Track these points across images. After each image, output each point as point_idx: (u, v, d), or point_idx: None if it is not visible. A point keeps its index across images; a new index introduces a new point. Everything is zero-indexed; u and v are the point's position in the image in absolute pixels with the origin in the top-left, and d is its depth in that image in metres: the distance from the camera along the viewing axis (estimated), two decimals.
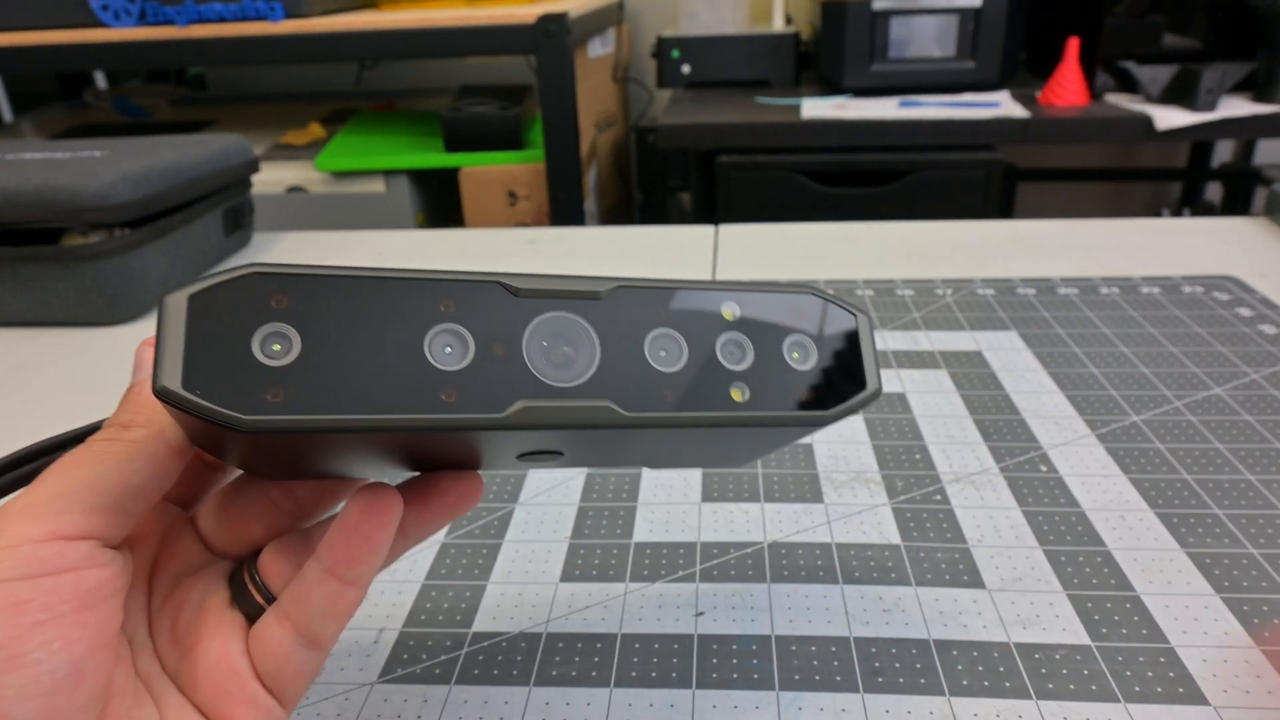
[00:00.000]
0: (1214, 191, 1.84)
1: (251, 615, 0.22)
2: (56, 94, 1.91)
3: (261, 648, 0.22)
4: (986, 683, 0.28)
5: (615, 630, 0.31)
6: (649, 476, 0.40)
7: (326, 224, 1.39)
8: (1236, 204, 1.70)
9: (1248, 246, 0.65)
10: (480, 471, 0.24)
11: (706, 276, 0.63)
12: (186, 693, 0.21)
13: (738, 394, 0.20)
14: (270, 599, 0.22)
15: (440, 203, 1.51)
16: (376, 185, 1.41)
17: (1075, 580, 0.32)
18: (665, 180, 1.73)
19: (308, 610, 0.21)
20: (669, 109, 1.43)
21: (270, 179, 1.38)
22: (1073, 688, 0.28)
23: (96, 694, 0.19)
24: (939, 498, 0.38)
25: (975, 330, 0.53)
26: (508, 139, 1.40)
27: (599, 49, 1.55)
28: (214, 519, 0.24)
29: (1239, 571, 0.33)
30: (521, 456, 0.22)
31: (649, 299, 0.20)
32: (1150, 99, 1.30)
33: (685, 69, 1.55)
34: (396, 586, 0.34)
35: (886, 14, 1.36)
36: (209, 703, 0.21)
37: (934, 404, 0.45)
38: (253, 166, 0.72)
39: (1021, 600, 0.32)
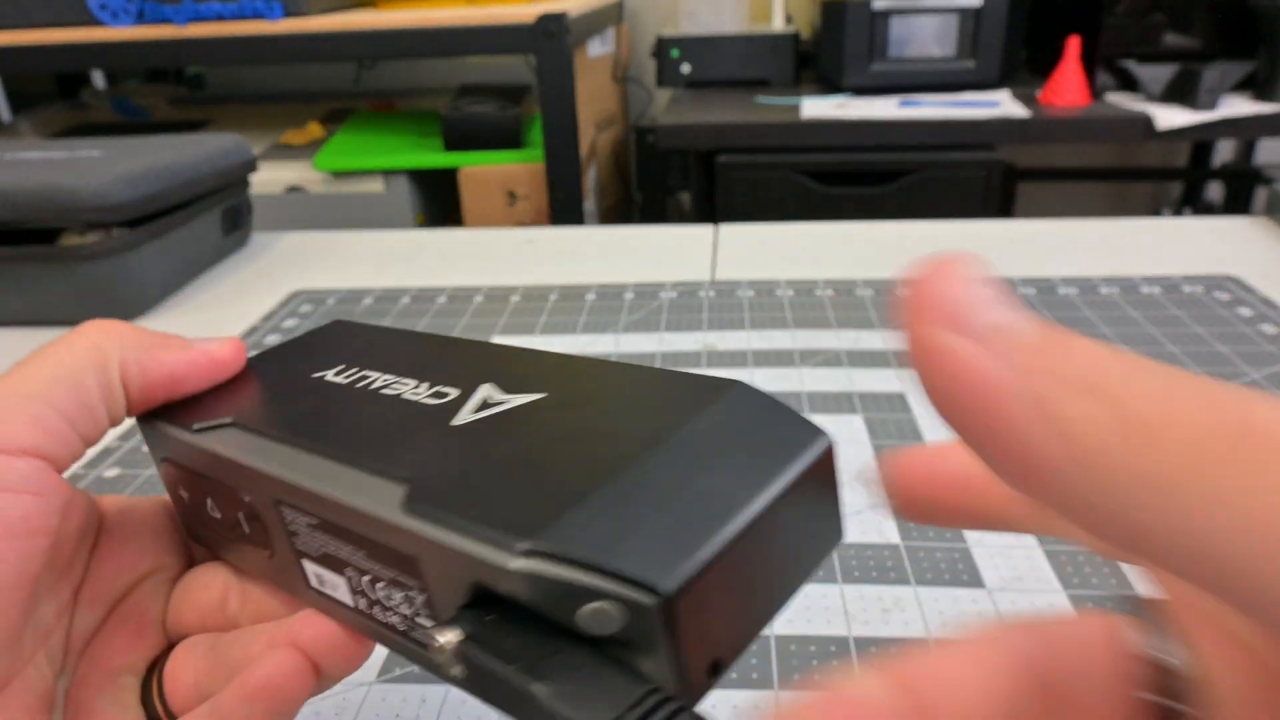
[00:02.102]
0: (1214, 191, 1.84)
1: (151, 717, 0.21)
2: (54, 93, 1.91)
3: None
4: None
5: None
6: None
7: (325, 224, 1.39)
8: (1237, 204, 1.70)
9: (1248, 246, 0.65)
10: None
11: (706, 277, 0.63)
12: None
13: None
14: (168, 710, 0.21)
15: (439, 202, 1.51)
16: (375, 185, 1.40)
17: (1075, 580, 0.32)
18: (665, 180, 1.72)
19: None
20: (669, 109, 1.43)
21: (269, 179, 1.38)
22: None
23: None
24: None
25: None
26: (507, 139, 1.40)
27: (599, 49, 1.54)
28: (175, 592, 0.23)
29: None
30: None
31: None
32: (1150, 98, 1.30)
33: (685, 69, 1.55)
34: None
35: (886, 13, 1.36)
36: None
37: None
38: (251, 166, 0.72)
39: (1021, 600, 0.32)
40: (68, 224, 0.57)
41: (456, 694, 0.29)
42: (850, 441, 0.42)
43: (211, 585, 0.23)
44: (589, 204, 1.47)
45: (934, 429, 0.43)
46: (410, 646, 0.19)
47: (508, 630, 0.15)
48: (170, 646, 0.22)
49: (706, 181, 1.37)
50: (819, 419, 0.44)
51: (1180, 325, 0.52)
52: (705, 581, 0.14)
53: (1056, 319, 0.54)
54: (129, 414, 0.21)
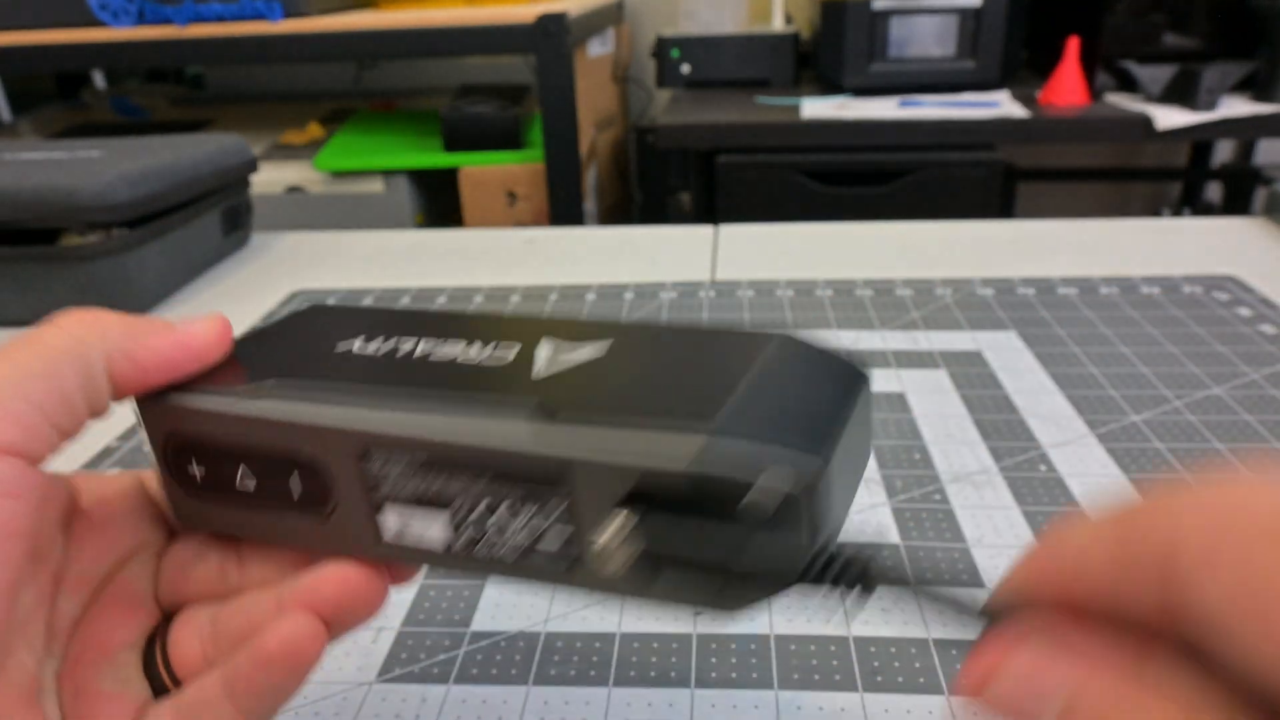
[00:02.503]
0: (1214, 191, 1.84)
1: (156, 688, 0.21)
2: (55, 93, 1.91)
3: None
4: None
5: (614, 629, 0.31)
6: None
7: (325, 224, 1.39)
8: (1236, 204, 1.70)
9: (1248, 246, 0.65)
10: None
11: (706, 277, 0.63)
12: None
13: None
14: (174, 677, 0.21)
15: (439, 202, 1.51)
16: (375, 185, 1.40)
17: None
18: (665, 180, 1.72)
19: None
20: (669, 109, 1.43)
21: (269, 179, 1.38)
22: None
23: None
24: (938, 497, 0.37)
25: (975, 330, 0.53)
26: (507, 139, 1.40)
27: (599, 49, 1.54)
28: (163, 565, 0.23)
29: None
30: None
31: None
32: (1150, 99, 1.30)
33: (685, 69, 1.55)
34: (395, 586, 0.34)
35: (886, 14, 1.36)
36: None
37: (933, 404, 0.45)
38: (251, 166, 0.72)
39: None
40: (68, 224, 0.57)
41: (456, 694, 0.29)
42: None
43: (206, 555, 0.23)
44: (589, 204, 1.47)
45: (932, 430, 0.43)
46: (530, 563, 0.19)
47: (669, 520, 0.17)
48: (167, 619, 0.22)
49: (706, 181, 1.37)
50: None
51: (1180, 325, 0.52)
52: (831, 467, 0.17)
53: (1056, 319, 0.54)
54: (118, 399, 0.21)
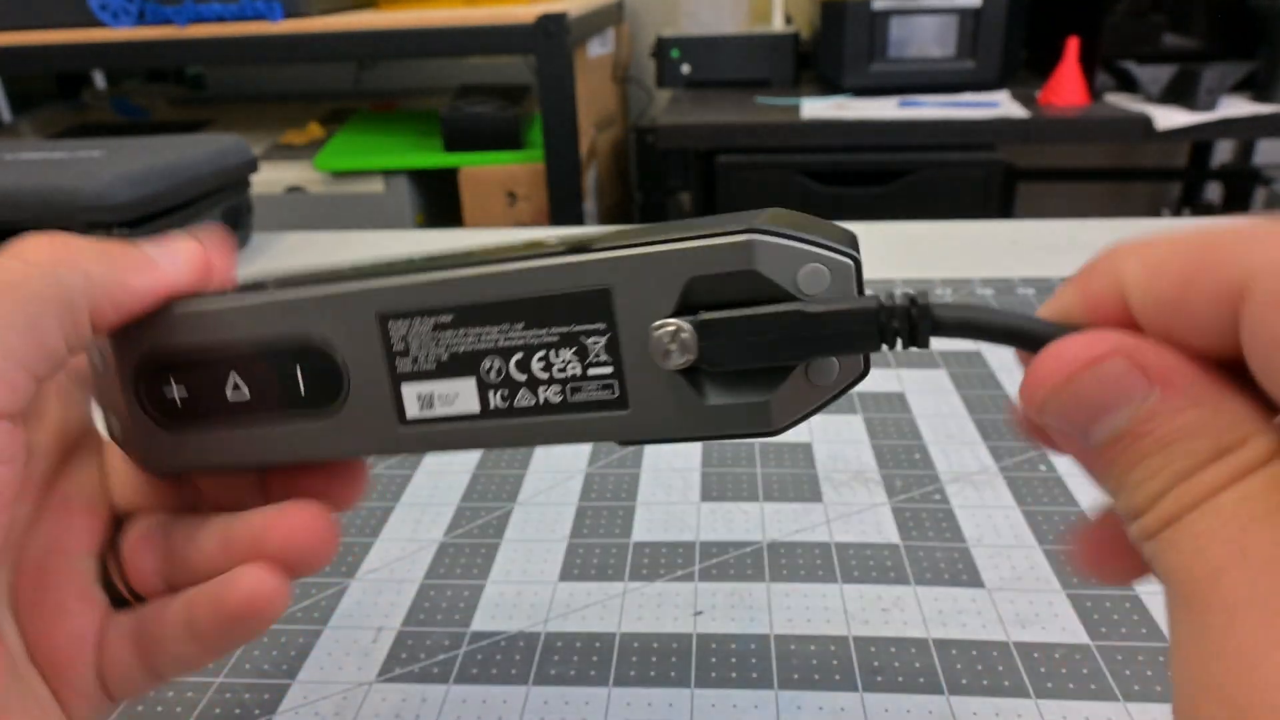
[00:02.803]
0: (1214, 192, 1.84)
1: (114, 598, 0.21)
2: (55, 94, 1.91)
3: (108, 654, 0.20)
4: (985, 682, 0.28)
5: (614, 629, 0.31)
6: (648, 476, 0.40)
7: (325, 224, 1.39)
8: (1236, 204, 1.70)
9: None
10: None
11: None
12: (25, 637, 0.19)
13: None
14: (130, 589, 0.20)
15: (439, 203, 1.51)
16: (376, 185, 1.40)
17: (1074, 580, 0.32)
18: (665, 180, 1.72)
19: (159, 657, 0.20)
20: (669, 109, 1.43)
21: (269, 179, 1.38)
22: (1072, 687, 0.28)
23: None
24: (938, 497, 0.37)
25: None
26: (507, 139, 1.40)
27: (599, 49, 1.54)
28: (115, 466, 0.22)
29: None
30: None
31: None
32: (1150, 99, 1.30)
33: (685, 69, 1.55)
34: (395, 586, 0.34)
35: (886, 14, 1.36)
36: (46, 671, 0.19)
37: (933, 403, 0.45)
38: (251, 166, 0.72)
39: (1021, 600, 0.32)
40: (68, 224, 0.57)
41: (456, 694, 0.29)
42: (850, 442, 0.42)
43: None
44: (589, 204, 1.47)
45: (933, 428, 0.43)
46: (568, 417, 0.19)
47: (727, 322, 0.17)
48: (118, 525, 0.21)
49: (706, 181, 1.37)
50: (819, 418, 0.44)
51: None
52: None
53: None
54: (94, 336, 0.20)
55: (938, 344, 0.51)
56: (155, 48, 1.28)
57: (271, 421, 0.20)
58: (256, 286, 0.20)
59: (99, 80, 1.99)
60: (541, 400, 0.19)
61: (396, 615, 0.32)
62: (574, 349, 0.18)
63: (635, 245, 0.18)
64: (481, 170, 1.40)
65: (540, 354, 0.18)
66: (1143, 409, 0.14)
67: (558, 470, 0.40)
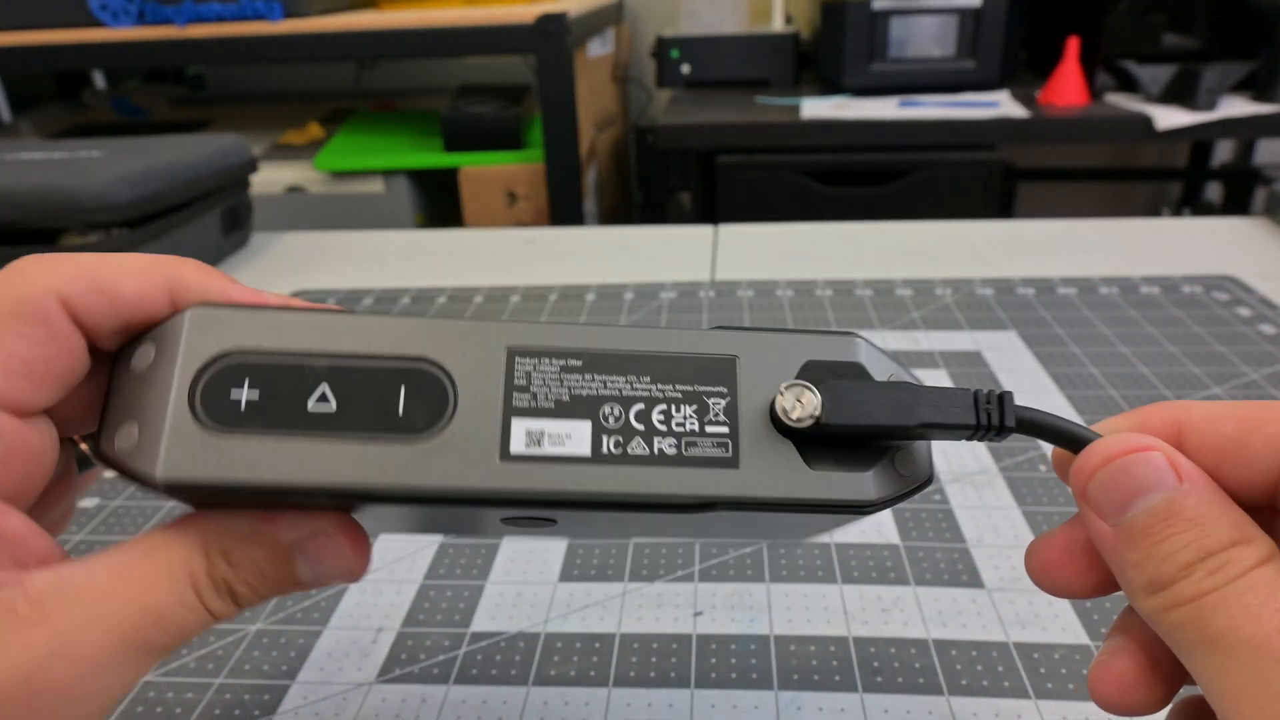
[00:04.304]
0: (1214, 191, 1.84)
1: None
2: (55, 94, 1.91)
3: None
4: (985, 682, 0.28)
5: (614, 630, 0.31)
6: None
7: (325, 224, 1.39)
8: (1236, 204, 1.70)
9: (1248, 246, 0.65)
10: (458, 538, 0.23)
11: (706, 277, 0.63)
12: None
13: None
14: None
15: (439, 203, 1.51)
16: (375, 185, 1.40)
17: None
18: (665, 180, 1.72)
19: None
20: (669, 109, 1.43)
21: (269, 179, 1.38)
22: (1072, 687, 0.28)
23: None
24: (938, 497, 0.37)
25: (975, 330, 0.53)
26: (507, 139, 1.40)
27: (598, 49, 1.54)
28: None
29: None
30: (507, 521, 0.21)
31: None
32: (1150, 99, 1.30)
33: (685, 69, 1.55)
34: (395, 586, 0.34)
35: (886, 14, 1.36)
36: None
37: None
38: (251, 166, 0.72)
39: (1020, 600, 0.32)
40: (68, 224, 0.57)
41: (456, 694, 0.29)
42: None
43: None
44: (589, 204, 1.47)
45: None
46: (679, 470, 0.19)
47: (847, 380, 0.20)
48: None
49: (706, 181, 1.37)
50: None
51: (1180, 325, 0.52)
52: None
53: (1056, 319, 0.54)
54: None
55: (939, 344, 0.51)
56: (155, 48, 1.28)
57: (352, 439, 0.18)
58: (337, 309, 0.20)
59: (99, 80, 1.99)
60: (656, 450, 0.19)
61: (396, 616, 0.32)
62: (695, 406, 0.19)
63: (763, 330, 0.20)
64: (481, 170, 1.40)
65: (662, 406, 0.19)
66: (1175, 494, 0.17)
67: None
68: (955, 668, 0.29)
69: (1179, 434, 0.18)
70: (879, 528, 0.36)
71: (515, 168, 1.39)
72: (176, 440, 0.18)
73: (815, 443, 0.19)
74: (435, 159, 1.40)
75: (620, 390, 0.19)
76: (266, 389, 0.18)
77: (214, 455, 0.18)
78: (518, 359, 0.19)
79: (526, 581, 0.34)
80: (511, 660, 0.30)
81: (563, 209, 1.35)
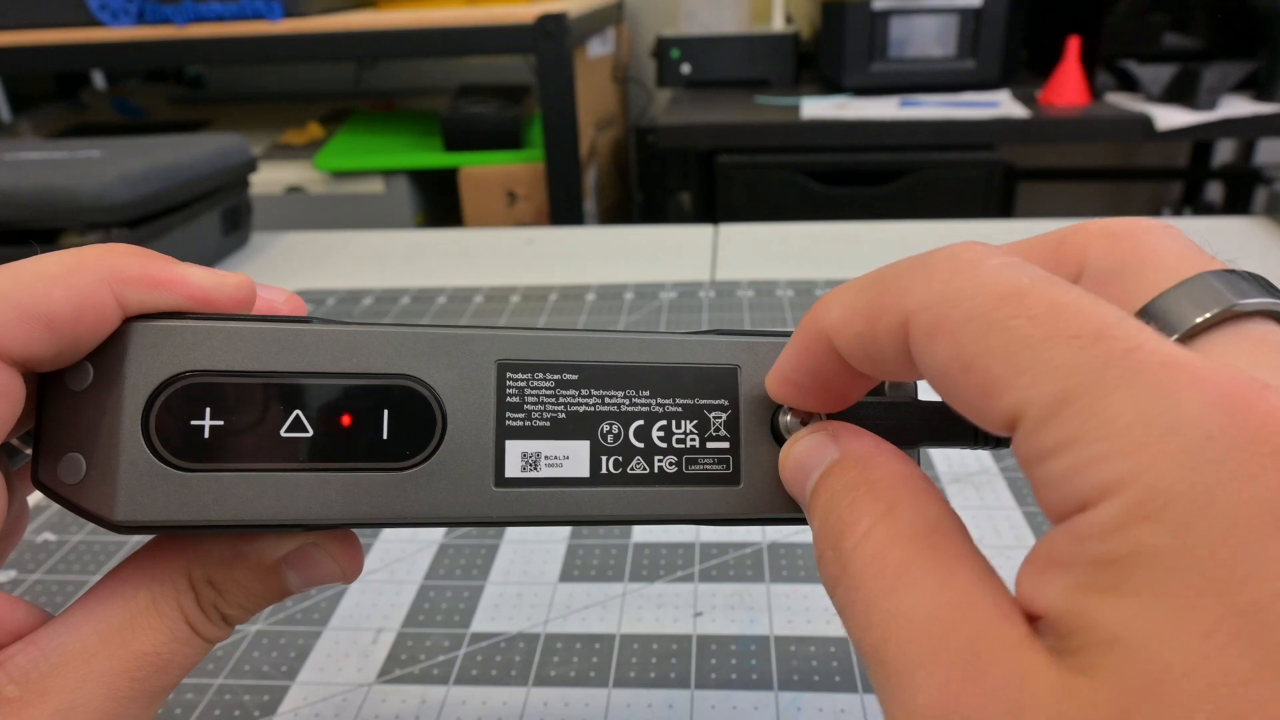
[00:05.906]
0: (1214, 191, 1.84)
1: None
2: (54, 93, 1.91)
3: None
4: None
5: (614, 630, 0.31)
6: None
7: (325, 224, 1.39)
8: (1237, 204, 1.70)
9: (1248, 246, 0.65)
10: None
11: (706, 277, 0.63)
12: None
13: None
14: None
15: (439, 203, 1.51)
16: (375, 185, 1.40)
17: None
18: (665, 180, 1.72)
19: None
20: (669, 109, 1.43)
21: (269, 179, 1.38)
22: None
23: None
24: None
25: None
26: (507, 139, 1.40)
27: (599, 49, 1.54)
28: None
29: None
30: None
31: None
32: (1150, 98, 1.30)
33: (685, 69, 1.55)
34: (395, 587, 0.34)
35: (886, 14, 1.36)
36: None
37: None
38: (251, 166, 0.72)
39: None
40: (68, 224, 0.57)
41: (456, 695, 0.29)
42: None
43: None
44: (589, 204, 1.47)
45: None
46: (680, 489, 0.18)
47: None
48: None
49: (706, 181, 1.37)
50: None
51: None
52: None
53: None
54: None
55: None
56: (154, 48, 1.28)
57: (333, 469, 0.17)
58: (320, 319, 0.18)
59: (98, 80, 1.99)
60: (656, 469, 0.18)
61: (396, 616, 0.32)
62: (695, 421, 0.19)
63: (762, 335, 0.19)
64: (481, 170, 1.40)
65: (662, 423, 0.18)
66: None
67: None
68: None
69: (829, 345, 0.17)
70: None
71: (515, 168, 1.39)
72: (133, 477, 0.16)
73: None
74: (435, 159, 1.40)
75: (619, 406, 0.18)
76: (231, 416, 0.16)
77: (178, 493, 0.16)
78: (509, 375, 0.18)
79: (526, 582, 0.34)
80: (511, 661, 0.30)
81: (563, 209, 1.35)
